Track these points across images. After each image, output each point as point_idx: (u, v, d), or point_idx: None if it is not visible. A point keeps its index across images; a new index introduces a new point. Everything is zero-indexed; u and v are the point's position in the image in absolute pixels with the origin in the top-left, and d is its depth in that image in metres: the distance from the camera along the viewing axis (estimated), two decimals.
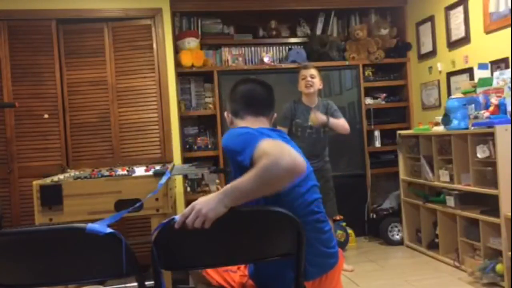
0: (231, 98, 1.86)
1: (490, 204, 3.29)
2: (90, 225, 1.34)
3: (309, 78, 3.69)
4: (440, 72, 4.35)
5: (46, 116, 4.04)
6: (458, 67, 4.10)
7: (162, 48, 4.21)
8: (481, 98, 3.33)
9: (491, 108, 3.21)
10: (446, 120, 3.48)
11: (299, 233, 1.47)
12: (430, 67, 4.53)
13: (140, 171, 2.86)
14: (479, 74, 3.63)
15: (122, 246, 1.36)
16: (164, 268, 1.45)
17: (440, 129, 3.68)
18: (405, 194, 4.33)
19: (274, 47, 4.83)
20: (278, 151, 1.36)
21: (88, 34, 4.16)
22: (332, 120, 3.68)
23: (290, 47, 4.84)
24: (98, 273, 1.43)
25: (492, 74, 3.50)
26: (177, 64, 4.39)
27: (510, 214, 2.97)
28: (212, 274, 1.78)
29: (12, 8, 4.00)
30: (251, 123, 1.75)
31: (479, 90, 3.44)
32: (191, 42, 4.45)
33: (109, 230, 1.35)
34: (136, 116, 4.18)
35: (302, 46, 4.83)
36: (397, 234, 4.45)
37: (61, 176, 2.75)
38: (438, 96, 4.42)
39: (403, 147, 4.31)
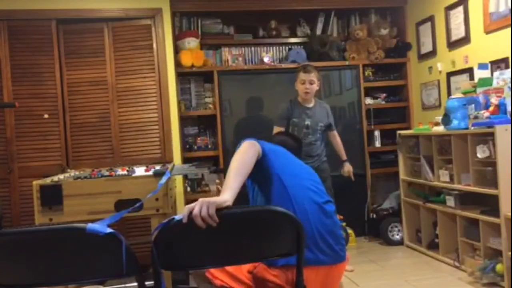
0: None
1: (490, 204, 3.29)
2: (90, 225, 1.34)
3: (308, 85, 3.70)
4: (440, 72, 4.35)
5: (46, 116, 4.04)
6: (458, 67, 4.10)
7: (162, 48, 4.21)
8: (481, 98, 3.33)
9: (491, 108, 3.21)
10: (446, 120, 3.48)
11: (299, 233, 1.47)
12: (430, 67, 4.53)
13: (140, 171, 2.86)
14: (479, 74, 3.63)
15: (122, 246, 1.36)
16: (164, 268, 1.44)
17: (440, 129, 3.68)
18: (405, 194, 4.33)
19: (274, 47, 4.83)
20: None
21: (88, 34, 4.16)
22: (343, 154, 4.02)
23: (290, 47, 4.84)
24: (98, 273, 1.43)
25: (492, 74, 3.50)
26: (177, 64, 4.39)
27: (510, 214, 2.97)
28: (217, 273, 1.78)
29: (12, 8, 4.00)
30: None
31: (479, 90, 3.44)
32: (191, 42, 4.45)
33: (109, 230, 1.34)
34: (136, 116, 4.18)
35: (302, 46, 4.83)
36: (397, 234, 4.45)
37: (61, 176, 2.75)
38: (438, 96, 4.42)
39: (403, 147, 4.31)
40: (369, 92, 4.91)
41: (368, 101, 4.85)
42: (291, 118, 3.77)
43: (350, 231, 4.47)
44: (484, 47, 3.76)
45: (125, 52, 4.18)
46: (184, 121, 4.60)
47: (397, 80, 4.93)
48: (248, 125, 4.58)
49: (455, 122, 3.40)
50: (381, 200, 4.80)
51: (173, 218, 1.40)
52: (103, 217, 1.46)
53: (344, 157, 4.00)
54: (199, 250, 1.47)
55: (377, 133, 4.79)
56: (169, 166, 3.09)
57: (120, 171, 2.88)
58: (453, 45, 4.16)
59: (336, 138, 4.00)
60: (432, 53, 4.47)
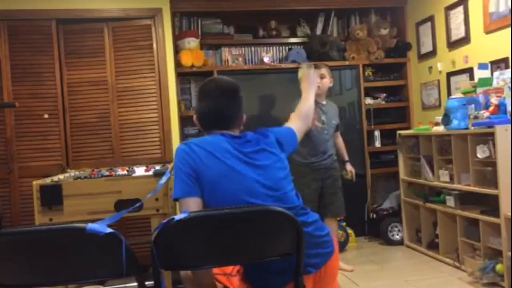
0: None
1: (490, 204, 3.29)
2: (90, 225, 1.34)
3: (318, 79, 3.64)
4: (440, 72, 4.35)
5: (46, 116, 4.03)
6: (458, 67, 4.10)
7: (162, 48, 4.21)
8: (481, 98, 3.33)
9: (491, 108, 3.21)
10: (446, 120, 3.48)
11: (299, 233, 1.48)
12: (430, 67, 4.53)
13: (140, 171, 2.85)
14: (479, 74, 3.63)
15: (122, 246, 1.36)
16: (164, 268, 1.44)
17: (440, 129, 3.68)
18: (405, 194, 4.33)
19: (274, 47, 4.83)
20: None
21: (88, 34, 4.16)
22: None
23: (290, 47, 4.84)
24: (98, 273, 1.43)
25: (492, 74, 3.51)
26: (177, 64, 4.39)
27: (510, 214, 2.97)
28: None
29: (12, 8, 4.00)
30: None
31: (479, 90, 3.44)
32: (191, 42, 4.45)
33: (109, 230, 1.35)
34: (136, 116, 4.18)
35: (302, 46, 4.83)
36: (397, 234, 4.45)
37: (61, 176, 2.75)
38: (438, 96, 4.42)
39: (403, 147, 4.31)
40: (369, 92, 4.91)
41: (368, 101, 4.85)
42: None
43: (350, 231, 4.47)
44: (484, 47, 3.76)
45: (125, 52, 4.18)
46: (184, 121, 4.60)
47: (397, 80, 4.94)
48: (248, 125, 4.57)
49: (455, 122, 3.40)
50: (381, 200, 4.80)
51: (173, 218, 1.40)
52: (103, 217, 1.46)
53: (347, 157, 4.00)
54: (199, 250, 1.47)
55: (377, 133, 4.79)
56: (169, 166, 3.08)
57: (120, 171, 2.87)
58: (453, 45, 4.16)
59: (339, 138, 3.99)
60: (432, 53, 4.47)
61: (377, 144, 4.79)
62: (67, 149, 4.10)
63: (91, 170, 3.16)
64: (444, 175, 3.68)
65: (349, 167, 3.97)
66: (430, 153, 3.88)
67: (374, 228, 4.59)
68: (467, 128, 3.34)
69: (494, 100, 3.22)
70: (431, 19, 4.45)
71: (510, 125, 3.00)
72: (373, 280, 3.51)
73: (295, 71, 4.01)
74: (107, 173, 2.76)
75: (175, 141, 4.24)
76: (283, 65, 4.64)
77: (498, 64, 3.59)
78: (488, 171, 3.20)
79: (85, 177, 2.56)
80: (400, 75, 4.95)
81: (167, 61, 4.22)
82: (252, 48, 4.79)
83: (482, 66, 3.66)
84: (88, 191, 2.46)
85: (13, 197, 3.98)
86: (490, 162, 3.16)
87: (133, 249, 1.40)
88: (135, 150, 4.17)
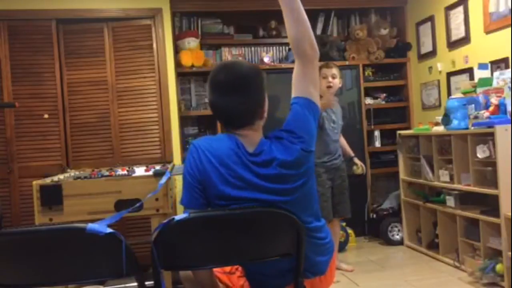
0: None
1: (490, 204, 3.29)
2: (90, 225, 1.34)
3: (330, 79, 3.61)
4: (440, 72, 4.35)
5: (46, 116, 4.03)
6: (458, 67, 4.10)
7: (162, 48, 4.21)
8: (481, 98, 3.33)
9: (491, 108, 3.21)
10: (446, 120, 3.48)
11: (299, 233, 1.48)
12: (430, 67, 4.53)
13: (140, 171, 2.86)
14: (479, 74, 3.63)
15: (122, 246, 1.36)
16: (164, 268, 1.44)
17: (440, 129, 3.68)
18: (405, 194, 4.33)
19: (274, 47, 4.83)
20: None
21: (88, 34, 4.16)
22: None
23: (290, 47, 4.84)
24: (98, 273, 1.43)
25: (492, 74, 3.50)
26: (177, 64, 4.38)
27: (510, 214, 2.97)
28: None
29: (12, 8, 4.00)
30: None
31: (479, 90, 3.44)
32: (191, 42, 4.45)
33: (109, 230, 1.35)
34: (136, 116, 4.18)
35: None
36: (397, 234, 4.45)
37: (61, 176, 2.75)
38: (438, 96, 4.42)
39: (403, 147, 4.31)
40: (369, 92, 4.91)
41: (368, 101, 4.86)
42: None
43: (350, 231, 4.47)
44: (484, 47, 3.76)
45: (125, 52, 4.17)
46: (184, 121, 4.60)
47: (397, 80, 4.93)
48: None
49: (455, 122, 3.40)
50: (381, 200, 4.80)
51: (173, 218, 1.40)
52: (103, 217, 1.46)
53: (352, 153, 3.98)
54: (199, 250, 1.47)
55: (377, 133, 4.79)
56: (169, 166, 3.09)
57: (120, 171, 2.88)
58: (453, 45, 4.16)
59: (341, 137, 3.97)
60: (432, 53, 4.47)
61: (377, 144, 4.79)
62: (67, 149, 4.10)
63: (91, 170, 3.16)
64: (444, 175, 3.68)
65: (358, 161, 3.94)
66: (430, 153, 3.88)
67: (374, 228, 4.59)
68: (467, 128, 3.34)
69: (494, 100, 3.22)
70: (431, 19, 4.45)
71: (510, 125, 3.00)
72: (373, 280, 3.51)
73: None
74: (107, 173, 2.76)
75: (175, 141, 4.24)
76: (283, 65, 4.64)
77: (498, 64, 3.58)
78: (488, 171, 3.20)
79: (85, 177, 2.57)
80: (400, 75, 4.95)
81: (167, 61, 4.22)
82: (252, 48, 4.80)
83: (482, 66, 3.66)
84: (88, 191, 2.47)
85: (13, 197, 3.98)
86: (490, 162, 3.15)
87: (133, 249, 1.40)
88: (135, 150, 4.17)
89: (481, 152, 3.20)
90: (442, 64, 4.32)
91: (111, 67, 4.16)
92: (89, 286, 2.37)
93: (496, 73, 3.39)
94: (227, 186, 1.51)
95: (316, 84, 1.71)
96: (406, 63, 4.89)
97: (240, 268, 1.75)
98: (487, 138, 3.15)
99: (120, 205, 2.41)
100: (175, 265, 1.49)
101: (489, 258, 3.18)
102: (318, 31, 4.91)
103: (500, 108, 3.17)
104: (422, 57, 4.66)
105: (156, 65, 4.20)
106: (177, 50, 4.45)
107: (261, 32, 4.88)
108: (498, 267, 3.06)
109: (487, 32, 3.71)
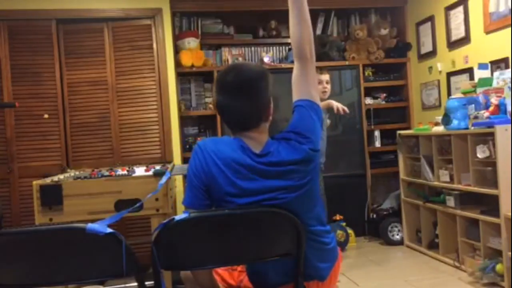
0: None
1: (490, 204, 3.29)
2: (90, 225, 1.34)
3: (325, 84, 3.63)
4: (440, 72, 4.35)
5: (46, 116, 4.04)
6: (458, 67, 4.10)
7: (162, 48, 4.21)
8: (481, 98, 3.33)
9: (491, 108, 3.21)
10: (446, 120, 3.48)
11: (299, 233, 1.48)
12: (430, 67, 4.53)
13: (140, 171, 2.86)
14: (479, 74, 3.63)
15: (122, 246, 1.36)
16: (164, 268, 1.44)
17: (440, 129, 3.68)
18: (405, 194, 4.33)
19: (274, 47, 4.83)
20: None
21: (88, 34, 4.16)
22: None
23: (290, 47, 4.84)
24: (98, 273, 1.43)
25: (492, 74, 3.51)
26: (177, 64, 4.39)
27: (510, 214, 2.97)
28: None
29: (12, 8, 4.00)
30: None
31: (479, 90, 3.44)
32: (191, 42, 4.45)
33: (109, 230, 1.35)
34: (136, 116, 4.18)
35: None
36: (397, 234, 4.45)
37: (61, 176, 2.76)
38: (438, 96, 4.42)
39: (403, 147, 4.31)
40: (369, 92, 4.91)
41: (368, 101, 4.86)
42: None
43: (350, 231, 4.47)
44: (484, 47, 3.76)
45: (125, 52, 4.18)
46: (184, 121, 4.60)
47: (397, 80, 4.93)
48: None
49: (455, 122, 3.40)
50: (381, 200, 4.80)
51: (173, 219, 1.40)
52: (103, 217, 1.46)
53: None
54: (199, 250, 1.47)
55: (377, 133, 4.79)
56: (169, 166, 3.09)
57: (120, 171, 2.88)
58: (453, 45, 4.16)
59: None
60: (432, 53, 4.47)
61: (377, 144, 4.79)
62: (67, 149, 4.10)
63: (91, 170, 3.16)
64: (444, 175, 3.68)
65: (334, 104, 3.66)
66: (430, 153, 3.88)
67: (374, 228, 4.59)
68: (467, 128, 3.34)
69: (494, 100, 3.22)
70: (431, 19, 4.45)
71: (510, 125, 3.00)
72: (373, 280, 3.51)
73: None
74: (107, 173, 2.76)
75: (175, 141, 4.24)
76: (283, 65, 4.64)
77: (498, 64, 3.58)
78: (488, 171, 3.20)
79: (85, 177, 2.57)
80: (400, 75, 4.95)
81: (167, 61, 4.22)
82: (252, 48, 4.80)
83: (482, 66, 3.66)
84: (88, 191, 2.47)
85: (13, 197, 3.98)
86: (490, 162, 3.15)
87: (133, 249, 1.40)
88: (135, 150, 4.17)
89: (481, 152, 3.20)
90: (442, 64, 4.32)
91: (111, 67, 4.16)
92: (89, 286, 2.37)
93: (496, 73, 3.39)
94: (233, 187, 1.51)
95: (316, 86, 1.72)
96: (406, 63, 4.90)
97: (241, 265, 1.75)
98: (487, 138, 3.15)
99: (120, 205, 2.41)
100: (175, 265, 1.49)
101: (489, 258, 3.18)
102: (318, 31, 4.91)
103: (500, 108, 3.16)
104: (422, 57, 4.66)
105: (156, 65, 4.20)
106: (177, 50, 4.45)
107: (261, 32, 4.88)
108: (498, 267, 3.06)
109: (487, 32, 3.71)
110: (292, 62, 1.77)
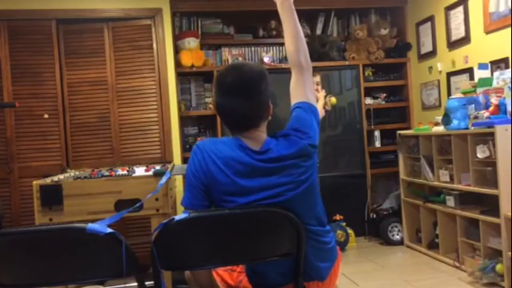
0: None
1: (490, 204, 3.29)
2: (90, 225, 1.34)
3: (315, 86, 3.69)
4: (440, 72, 4.35)
5: (46, 116, 4.04)
6: (458, 67, 4.10)
7: (162, 48, 4.21)
8: (481, 98, 3.33)
9: (491, 108, 3.21)
10: (446, 120, 3.48)
11: (299, 233, 1.48)
12: (430, 67, 4.53)
13: (140, 171, 2.85)
14: (479, 74, 3.63)
15: (122, 246, 1.36)
16: (164, 268, 1.44)
17: (440, 129, 3.68)
18: (405, 194, 4.33)
19: (274, 47, 4.83)
20: None
21: (88, 34, 4.16)
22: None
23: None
24: (98, 273, 1.43)
25: (492, 74, 3.51)
26: (177, 64, 4.39)
27: (510, 214, 2.97)
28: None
29: (12, 8, 4.00)
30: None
31: (479, 90, 3.44)
32: (191, 42, 4.45)
33: (109, 230, 1.35)
34: (136, 116, 4.18)
35: None
36: (397, 234, 4.45)
37: (61, 176, 2.75)
38: (438, 96, 4.42)
39: (403, 147, 4.31)
40: (369, 92, 4.91)
41: (368, 101, 4.86)
42: None
43: (350, 231, 4.47)
44: (484, 47, 3.76)
45: (125, 52, 4.18)
46: (184, 121, 4.61)
47: (397, 80, 4.94)
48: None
49: (455, 122, 3.40)
50: (381, 200, 4.80)
51: (173, 219, 1.40)
52: (103, 217, 1.46)
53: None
54: (199, 250, 1.47)
55: (377, 133, 4.79)
56: (169, 166, 3.09)
57: (120, 171, 2.87)
58: (453, 45, 4.16)
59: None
60: (432, 53, 4.47)
61: (377, 144, 4.80)
62: (67, 149, 4.10)
63: (91, 170, 3.16)
64: (444, 175, 3.68)
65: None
66: (430, 153, 3.88)
67: (374, 228, 4.59)
68: (467, 128, 3.34)
69: (494, 100, 3.22)
70: (431, 19, 4.45)
71: (510, 125, 3.00)
72: (373, 280, 3.51)
73: None
74: (107, 173, 2.76)
75: (175, 141, 4.24)
76: (283, 65, 4.63)
77: (498, 64, 3.59)
78: (488, 171, 3.20)
79: (85, 177, 2.56)
80: (400, 75, 4.96)
81: (167, 61, 4.22)
82: (252, 48, 4.80)
83: (482, 66, 3.66)
84: (88, 191, 2.47)
85: (13, 197, 3.98)
86: (490, 162, 3.15)
87: (133, 249, 1.40)
88: (135, 150, 4.17)
89: (481, 152, 3.20)
90: (442, 64, 4.32)
91: (111, 67, 4.16)
92: (89, 286, 2.37)
93: (496, 73, 3.39)
94: (232, 186, 1.52)
95: (313, 91, 1.77)
96: (406, 63, 4.90)
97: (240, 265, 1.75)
98: (487, 138, 3.15)
99: (120, 205, 2.40)
100: (175, 265, 1.49)
101: (489, 258, 3.18)
102: (318, 31, 4.91)
103: (500, 108, 3.16)
104: (422, 57, 4.66)
105: (156, 65, 4.20)
106: (177, 50, 4.45)
107: (261, 32, 4.88)
108: (498, 267, 3.06)
109: (487, 32, 3.71)
110: None
